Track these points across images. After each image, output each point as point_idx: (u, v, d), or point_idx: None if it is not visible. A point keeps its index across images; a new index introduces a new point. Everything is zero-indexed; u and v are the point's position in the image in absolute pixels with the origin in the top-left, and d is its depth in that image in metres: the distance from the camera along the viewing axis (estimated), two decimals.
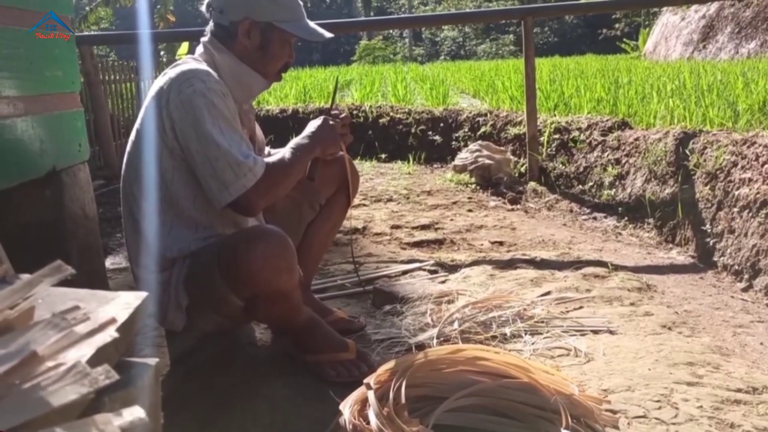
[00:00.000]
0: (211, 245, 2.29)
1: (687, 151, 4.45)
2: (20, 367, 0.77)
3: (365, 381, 2.04)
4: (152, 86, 2.33)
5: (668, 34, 19.33)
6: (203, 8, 2.44)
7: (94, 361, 0.82)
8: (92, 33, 18.40)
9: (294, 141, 2.44)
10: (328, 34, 2.44)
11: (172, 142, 2.22)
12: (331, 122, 2.50)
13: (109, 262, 4.00)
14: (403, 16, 37.28)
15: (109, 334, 0.86)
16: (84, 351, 0.82)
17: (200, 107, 2.16)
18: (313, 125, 2.48)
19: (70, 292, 1.04)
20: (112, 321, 0.89)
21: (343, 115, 2.59)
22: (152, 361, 1.02)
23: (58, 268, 0.93)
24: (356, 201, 5.45)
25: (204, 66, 2.29)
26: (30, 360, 0.77)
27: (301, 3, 2.44)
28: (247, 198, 2.20)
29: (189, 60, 2.35)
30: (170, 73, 2.27)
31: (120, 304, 1.01)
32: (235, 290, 2.21)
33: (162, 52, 20.74)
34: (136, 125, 2.34)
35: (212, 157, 2.16)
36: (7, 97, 2.33)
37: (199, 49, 2.43)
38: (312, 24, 2.45)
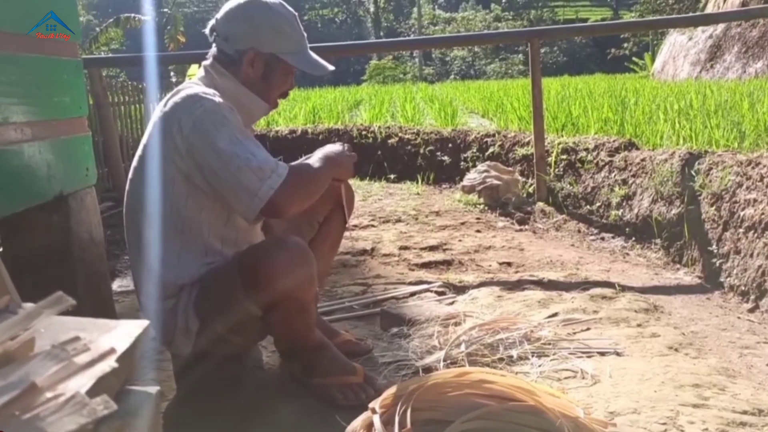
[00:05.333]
0: (231, 257, 2.31)
1: (693, 172, 4.45)
2: (20, 399, 0.77)
3: (370, 405, 2.03)
4: (155, 112, 2.34)
5: (676, 54, 19.34)
6: (206, 31, 2.45)
7: (94, 391, 0.83)
8: (101, 56, 18.53)
9: (318, 154, 2.47)
10: (331, 67, 2.47)
11: (189, 167, 2.22)
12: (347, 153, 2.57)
13: (117, 285, 4.01)
14: (412, 38, 37.48)
15: (109, 364, 0.87)
16: (83, 381, 0.83)
17: (213, 124, 2.17)
18: (333, 149, 2.52)
19: (72, 321, 1.05)
20: (112, 351, 0.90)
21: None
22: (153, 389, 1.02)
23: (59, 299, 0.94)
24: (365, 222, 5.46)
25: (207, 88, 2.31)
26: (29, 391, 0.78)
27: (305, 34, 2.47)
28: (277, 198, 2.16)
29: (191, 84, 2.37)
30: (174, 98, 2.27)
31: (121, 333, 1.02)
32: (255, 298, 2.21)
33: (172, 74, 20.87)
34: (139, 153, 2.35)
35: (234, 170, 2.15)
36: (14, 122, 2.35)
37: (200, 72, 2.45)
38: (314, 55, 2.47)
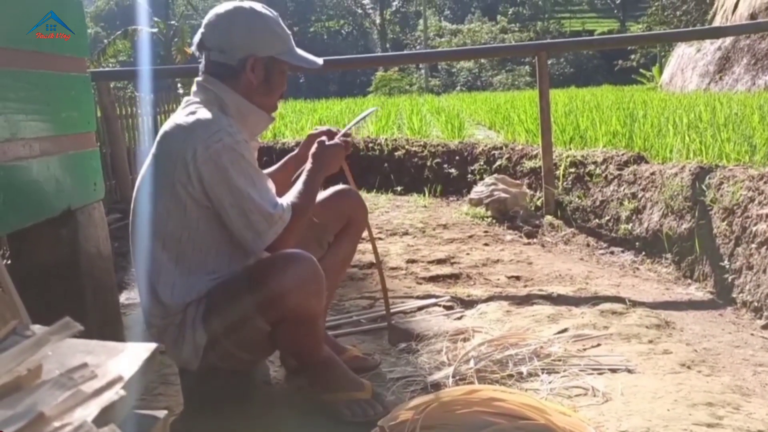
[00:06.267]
0: (240, 271, 2.32)
1: (703, 186, 4.43)
2: (27, 429, 0.76)
3: (379, 424, 2.02)
4: (163, 133, 2.33)
5: (684, 66, 19.30)
6: (193, 48, 2.45)
7: (101, 419, 0.81)
8: (109, 69, 18.59)
9: (305, 175, 2.49)
10: (319, 61, 2.53)
11: (200, 194, 2.24)
12: (328, 143, 2.58)
13: (124, 297, 3.99)
14: (419, 51, 37.40)
15: (116, 392, 0.86)
16: (91, 410, 0.82)
17: (231, 162, 2.20)
18: (317, 154, 2.55)
19: (80, 344, 1.03)
20: (120, 379, 0.88)
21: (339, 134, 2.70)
22: (160, 413, 1.01)
23: (67, 324, 0.92)
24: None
25: (219, 113, 2.31)
26: (37, 421, 0.77)
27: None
28: (278, 242, 2.28)
29: (199, 106, 2.34)
30: (187, 122, 2.27)
31: (129, 357, 1.00)
32: (264, 312, 2.23)
33: (179, 85, 20.95)
34: (144, 173, 2.35)
35: (246, 210, 2.23)
36: (23, 138, 2.35)
37: (194, 87, 2.44)
38: (302, 51, 2.51)
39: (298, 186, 2.44)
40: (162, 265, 2.30)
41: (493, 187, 6.34)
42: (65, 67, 2.74)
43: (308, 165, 2.52)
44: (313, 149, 2.57)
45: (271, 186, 2.37)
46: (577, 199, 5.91)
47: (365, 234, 2.94)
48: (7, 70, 2.33)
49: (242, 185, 2.21)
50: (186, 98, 2.44)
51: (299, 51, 2.49)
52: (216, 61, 2.39)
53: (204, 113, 2.28)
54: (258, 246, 2.28)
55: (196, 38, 2.43)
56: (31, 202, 2.43)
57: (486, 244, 5.24)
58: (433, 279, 4.36)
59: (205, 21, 2.42)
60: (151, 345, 1.05)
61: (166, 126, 2.34)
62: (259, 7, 2.43)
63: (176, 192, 2.24)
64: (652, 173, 5.20)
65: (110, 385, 0.86)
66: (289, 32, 2.47)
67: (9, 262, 2.85)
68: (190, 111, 2.32)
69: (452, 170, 7.87)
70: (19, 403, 0.81)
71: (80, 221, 2.72)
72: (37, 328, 1.01)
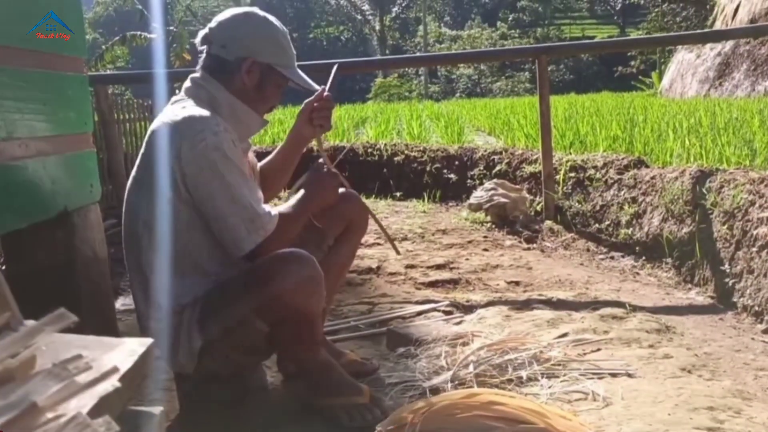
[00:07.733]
0: (237, 272, 2.30)
1: (704, 190, 4.42)
2: (20, 419, 0.75)
3: (378, 428, 2.01)
4: (151, 132, 2.31)
5: (684, 72, 19.34)
6: (197, 40, 2.44)
7: (96, 411, 0.80)
8: (107, 72, 18.56)
9: (299, 195, 2.47)
10: (317, 87, 2.52)
11: (185, 194, 2.22)
12: (323, 170, 2.55)
13: (120, 303, 3.96)
14: (418, 54, 37.54)
15: (111, 384, 0.84)
16: (85, 401, 0.81)
17: (215, 163, 2.17)
18: (317, 187, 2.51)
19: (75, 339, 1.02)
20: (115, 370, 0.87)
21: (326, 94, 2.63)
22: (156, 409, 0.99)
23: (61, 316, 0.91)
24: (371, 240, 5.41)
25: (208, 111, 2.28)
26: (30, 411, 0.75)
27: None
28: (257, 251, 2.24)
29: (189, 103, 2.33)
30: (170, 120, 2.25)
31: (125, 352, 0.99)
32: (263, 312, 2.21)
33: (177, 91, 20.97)
34: (135, 174, 2.34)
35: (227, 214, 2.20)
36: (19, 138, 2.33)
37: (187, 83, 2.42)
38: (302, 73, 2.50)
39: (290, 202, 2.43)
40: (155, 267, 2.28)
41: (492, 192, 6.32)
42: (63, 67, 2.73)
43: (304, 193, 2.49)
44: (304, 178, 2.54)
45: (258, 192, 2.34)
46: (577, 203, 5.90)
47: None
48: (4, 68, 2.31)
49: (224, 188, 2.19)
50: (175, 96, 2.42)
51: (300, 71, 2.49)
52: (215, 55, 2.38)
53: (191, 111, 2.26)
54: (235, 253, 2.25)
55: (203, 31, 2.42)
56: (27, 203, 2.42)
57: (485, 249, 5.23)
58: (433, 284, 4.34)
59: (217, 17, 2.43)
60: (147, 340, 1.04)
61: (154, 125, 2.32)
62: (272, 18, 2.44)
63: (164, 192, 2.22)
64: (653, 177, 5.19)
65: (105, 376, 0.85)
66: (294, 52, 2.48)
67: (4, 267, 2.84)
68: (177, 108, 2.30)
69: (452, 175, 7.86)
70: (11, 394, 0.80)
71: (76, 223, 2.70)
72: (30, 323, 0.99)
